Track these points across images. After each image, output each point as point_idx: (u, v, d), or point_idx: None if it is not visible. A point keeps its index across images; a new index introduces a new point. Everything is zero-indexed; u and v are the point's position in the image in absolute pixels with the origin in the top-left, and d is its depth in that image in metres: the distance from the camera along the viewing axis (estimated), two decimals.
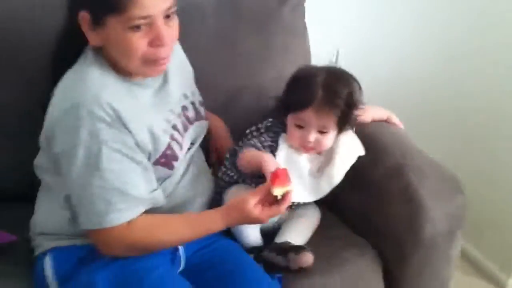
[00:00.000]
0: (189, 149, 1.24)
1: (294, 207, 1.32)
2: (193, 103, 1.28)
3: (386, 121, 1.43)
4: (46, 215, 1.18)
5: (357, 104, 1.24)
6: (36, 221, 1.20)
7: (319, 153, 1.28)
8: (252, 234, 1.25)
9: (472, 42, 1.82)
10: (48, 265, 1.12)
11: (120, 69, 1.08)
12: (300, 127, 1.22)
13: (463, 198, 1.24)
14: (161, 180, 1.15)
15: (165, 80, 1.19)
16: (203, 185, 1.28)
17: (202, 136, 1.31)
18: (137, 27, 1.00)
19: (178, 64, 1.25)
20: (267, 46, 1.58)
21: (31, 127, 1.17)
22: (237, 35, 1.56)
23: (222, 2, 1.55)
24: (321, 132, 1.22)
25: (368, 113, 1.38)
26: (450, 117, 1.97)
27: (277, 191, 1.06)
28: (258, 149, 1.24)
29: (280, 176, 1.07)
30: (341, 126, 1.25)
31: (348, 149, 1.27)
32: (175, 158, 1.16)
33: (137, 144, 1.07)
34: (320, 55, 2.51)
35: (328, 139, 1.24)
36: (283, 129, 1.28)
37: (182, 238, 1.12)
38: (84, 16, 1.02)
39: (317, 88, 1.19)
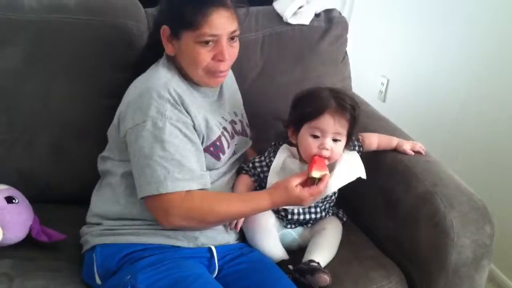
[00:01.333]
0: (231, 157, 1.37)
1: (312, 224, 1.40)
2: (241, 121, 1.44)
3: (396, 150, 1.47)
4: (103, 198, 1.31)
5: (358, 117, 1.33)
6: (93, 205, 1.33)
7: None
8: (275, 247, 1.33)
9: None
10: (95, 260, 1.23)
11: (186, 76, 1.28)
12: (315, 136, 1.29)
13: (491, 227, 1.27)
14: (207, 169, 1.27)
15: (220, 96, 1.39)
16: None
17: (243, 151, 1.44)
18: (206, 43, 1.21)
19: (231, 88, 1.45)
20: (303, 79, 1.67)
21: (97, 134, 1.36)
22: (278, 68, 1.67)
23: (268, 37, 1.66)
24: (335, 140, 1.29)
25: (373, 138, 1.46)
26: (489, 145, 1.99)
27: (315, 173, 1.23)
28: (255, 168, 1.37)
29: (317, 161, 1.25)
30: (349, 135, 1.33)
31: (349, 167, 1.34)
32: (223, 151, 1.30)
33: (194, 127, 1.23)
34: (370, 84, 2.62)
35: (340, 148, 1.31)
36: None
37: (236, 211, 1.24)
38: (165, 29, 1.24)
39: (329, 97, 1.30)
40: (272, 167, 1.34)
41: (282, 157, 1.35)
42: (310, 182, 1.25)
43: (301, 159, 1.35)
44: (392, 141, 1.48)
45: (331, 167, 1.31)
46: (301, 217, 1.39)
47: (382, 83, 2.61)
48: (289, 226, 1.40)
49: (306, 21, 1.71)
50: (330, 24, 1.73)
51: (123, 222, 1.25)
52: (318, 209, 1.40)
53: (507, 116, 1.89)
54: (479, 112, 2.03)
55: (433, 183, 1.33)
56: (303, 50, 1.69)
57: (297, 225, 1.41)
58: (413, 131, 1.61)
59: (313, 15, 1.73)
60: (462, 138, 2.10)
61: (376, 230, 1.47)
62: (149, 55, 1.34)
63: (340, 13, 1.80)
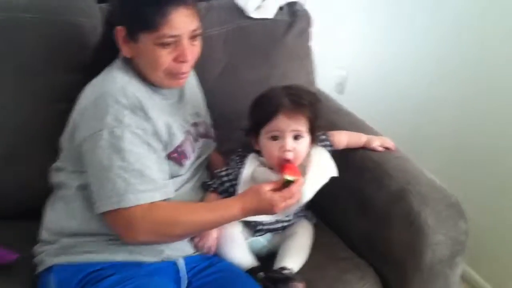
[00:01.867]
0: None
1: (282, 230, 1.34)
2: (204, 123, 1.37)
3: (364, 147, 1.43)
4: (57, 213, 1.21)
5: (320, 113, 1.28)
6: (47, 221, 1.23)
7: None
8: (243, 256, 1.27)
9: (482, 63, 1.84)
10: (51, 282, 1.15)
11: (144, 78, 1.19)
12: (275, 138, 1.24)
13: (465, 224, 1.25)
14: (170, 177, 1.20)
15: (181, 97, 1.31)
16: (201, 199, 1.31)
17: (207, 154, 1.38)
18: (166, 44, 1.12)
19: (192, 88, 1.38)
20: (269, 75, 1.62)
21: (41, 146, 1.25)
22: (242, 65, 1.61)
23: (231, 32, 1.59)
24: (296, 138, 1.24)
25: (342, 136, 1.41)
26: (456, 141, 1.98)
27: (288, 177, 1.16)
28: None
29: (288, 167, 1.19)
30: (312, 131, 1.27)
31: (320, 168, 1.28)
32: (187, 156, 1.23)
33: (155, 133, 1.15)
34: (329, 78, 2.58)
35: (304, 146, 1.26)
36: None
37: (203, 221, 1.15)
38: (120, 30, 1.15)
39: (281, 96, 1.24)
40: (242, 178, 1.27)
41: (251, 167, 1.29)
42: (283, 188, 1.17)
43: (271, 168, 1.28)
44: (361, 138, 1.44)
45: (302, 171, 1.25)
46: (272, 226, 1.33)
47: (340, 75, 2.58)
48: (257, 234, 1.34)
49: (270, 15, 1.65)
50: (294, 17, 1.68)
51: (81, 239, 1.17)
52: (291, 216, 1.35)
53: (471, 109, 1.88)
54: (441, 105, 2.01)
55: (406, 181, 1.30)
56: (268, 46, 1.63)
57: (265, 232, 1.35)
58: (372, 125, 1.57)
59: (277, 8, 1.67)
60: (423, 131, 2.09)
61: (348, 230, 1.43)
62: (103, 55, 1.25)
63: (302, 6, 1.75)
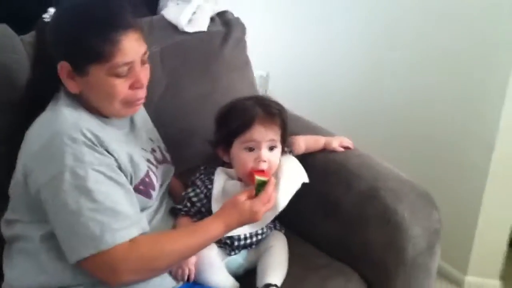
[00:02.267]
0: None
1: (255, 245, 1.31)
2: (159, 147, 1.31)
3: (325, 149, 1.42)
4: (20, 269, 1.10)
5: (287, 120, 1.27)
6: (9, 281, 1.12)
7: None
8: (224, 279, 1.22)
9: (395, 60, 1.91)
10: None
11: (93, 111, 1.11)
12: (250, 149, 1.21)
13: (438, 212, 1.27)
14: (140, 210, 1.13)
15: (132, 124, 1.24)
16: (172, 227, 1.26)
17: (169, 179, 1.32)
18: (120, 73, 1.05)
19: (140, 112, 1.30)
20: (213, 89, 1.57)
21: None
22: (184, 81, 1.55)
23: (166, 50, 1.52)
24: (271, 149, 1.22)
25: (300, 141, 1.39)
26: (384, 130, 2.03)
27: (260, 178, 1.15)
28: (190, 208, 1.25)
29: (256, 172, 1.17)
30: (283, 141, 1.27)
31: (292, 175, 1.28)
32: (153, 187, 1.17)
33: (119, 167, 1.08)
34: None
35: (277, 156, 1.25)
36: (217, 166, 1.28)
37: (188, 247, 1.09)
38: (64, 66, 1.06)
39: (255, 107, 1.23)
40: (213, 196, 1.22)
41: (220, 182, 1.24)
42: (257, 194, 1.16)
43: (240, 179, 1.25)
44: (319, 141, 1.43)
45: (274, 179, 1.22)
46: (248, 241, 1.29)
47: (261, 75, 2.57)
48: (233, 252, 1.29)
49: (204, 27, 1.60)
50: (229, 27, 1.64)
51: None
52: (264, 228, 1.31)
53: (402, 102, 1.94)
54: (372, 98, 2.06)
55: (373, 178, 1.30)
56: (207, 59, 1.59)
57: (241, 249, 1.31)
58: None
59: (208, 20, 1.62)
60: (355, 126, 2.13)
61: (318, 235, 1.41)
62: (39, 93, 1.14)
63: (233, 15, 1.71)
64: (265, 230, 1.32)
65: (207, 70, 1.58)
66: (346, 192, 1.33)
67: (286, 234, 1.39)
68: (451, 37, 1.74)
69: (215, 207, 1.21)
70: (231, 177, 1.26)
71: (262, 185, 1.16)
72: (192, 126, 1.53)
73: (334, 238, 1.36)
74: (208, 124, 1.43)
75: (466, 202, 1.80)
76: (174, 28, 1.57)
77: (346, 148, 1.42)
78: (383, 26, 1.95)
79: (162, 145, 1.35)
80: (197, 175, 1.31)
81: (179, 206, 1.26)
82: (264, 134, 1.20)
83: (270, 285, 1.19)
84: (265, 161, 1.21)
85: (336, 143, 1.42)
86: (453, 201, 1.78)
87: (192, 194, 1.26)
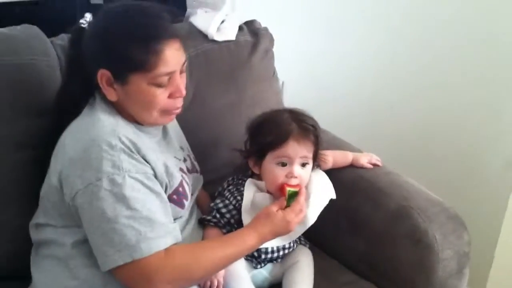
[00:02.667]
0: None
1: (281, 259, 1.30)
2: (189, 156, 1.31)
3: (352, 165, 1.41)
4: (51, 274, 1.09)
5: (320, 138, 1.26)
6: (37, 284, 1.11)
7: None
8: None
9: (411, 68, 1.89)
10: None
11: (129, 118, 1.11)
12: (283, 164, 1.21)
13: (468, 235, 1.25)
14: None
15: (165, 132, 1.23)
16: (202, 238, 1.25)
17: (199, 189, 1.32)
18: (161, 83, 1.05)
19: (173, 122, 1.29)
20: (239, 99, 1.56)
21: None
22: (211, 91, 1.53)
23: (194, 59, 1.49)
24: (302, 165, 1.22)
25: (328, 156, 1.37)
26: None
27: (291, 189, 1.16)
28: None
29: (287, 185, 1.18)
30: (315, 157, 1.26)
31: (321, 190, 1.27)
32: (186, 197, 1.17)
33: (155, 176, 1.07)
34: None
35: (308, 172, 1.25)
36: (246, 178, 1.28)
37: (223, 258, 1.08)
38: (104, 74, 1.05)
39: (290, 121, 1.22)
40: (242, 207, 1.21)
41: (250, 193, 1.23)
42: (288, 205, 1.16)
43: (270, 192, 1.24)
44: (348, 156, 1.42)
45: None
46: (275, 254, 1.27)
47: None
48: (259, 266, 1.28)
49: (232, 37, 1.58)
50: (257, 37, 1.62)
51: None
52: (291, 242, 1.29)
53: (416, 109, 1.91)
54: (386, 108, 2.04)
55: (403, 197, 1.29)
56: (234, 68, 1.56)
57: (266, 263, 1.30)
58: None
59: (237, 29, 1.61)
60: (371, 137, 2.11)
61: (343, 252, 1.40)
62: (72, 98, 1.13)
63: (261, 24, 1.70)
64: (291, 244, 1.31)
65: (234, 80, 1.56)
66: (375, 210, 1.31)
67: (310, 249, 1.38)
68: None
69: (245, 218, 1.20)
70: (260, 189, 1.25)
71: (293, 196, 1.17)
72: (218, 136, 1.52)
73: (361, 256, 1.35)
74: (234, 135, 1.44)
75: (486, 224, 1.78)
76: (202, 36, 1.55)
77: (375, 165, 1.41)
78: (401, 36, 1.94)
79: (192, 154, 1.34)
80: (225, 185, 1.30)
81: (208, 217, 1.25)
82: (298, 151, 1.20)
83: None
84: (296, 177, 1.20)
85: (365, 159, 1.40)
86: (472, 222, 1.77)
87: (221, 205, 1.25)
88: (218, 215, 1.24)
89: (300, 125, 1.21)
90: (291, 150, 1.19)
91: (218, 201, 1.27)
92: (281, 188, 1.19)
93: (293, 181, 1.20)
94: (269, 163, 1.22)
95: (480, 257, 1.80)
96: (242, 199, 1.23)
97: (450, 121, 1.85)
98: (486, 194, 1.78)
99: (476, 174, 1.81)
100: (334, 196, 1.28)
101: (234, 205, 1.24)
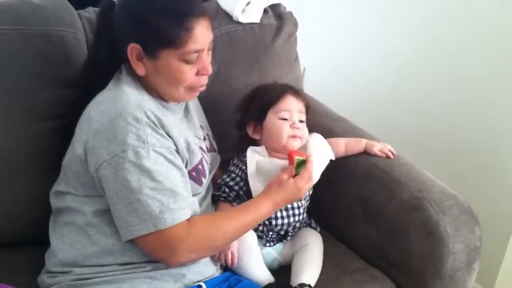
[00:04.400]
0: None
1: (290, 237, 1.33)
2: (208, 135, 1.33)
3: (365, 152, 1.41)
4: (67, 240, 1.12)
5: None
6: (55, 249, 1.13)
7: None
8: (261, 271, 1.24)
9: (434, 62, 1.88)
10: None
11: (153, 93, 1.13)
12: (283, 119, 1.28)
13: (480, 229, 1.26)
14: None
15: (186, 110, 1.25)
16: None
17: (216, 167, 1.35)
18: (190, 59, 1.07)
19: (194, 100, 1.31)
20: (260, 81, 1.53)
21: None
22: (233, 71, 1.54)
23: (219, 39, 1.51)
24: (300, 121, 1.30)
25: (340, 141, 1.41)
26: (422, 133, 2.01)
27: (299, 157, 1.20)
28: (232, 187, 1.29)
29: (294, 152, 1.23)
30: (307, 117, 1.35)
31: (320, 151, 1.33)
32: (204, 174, 1.19)
33: (177, 151, 1.10)
34: None
35: (305, 129, 1.32)
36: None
37: (241, 224, 1.12)
38: (134, 48, 1.06)
39: (283, 84, 1.37)
40: (249, 174, 1.26)
41: (253, 160, 1.27)
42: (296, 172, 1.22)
43: (271, 155, 1.29)
44: (361, 142, 1.43)
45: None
46: (285, 220, 1.29)
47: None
48: (268, 244, 1.31)
49: (257, 19, 1.59)
50: (281, 21, 1.63)
51: (98, 269, 1.08)
52: (301, 210, 1.33)
53: (437, 103, 1.91)
54: (407, 100, 2.03)
55: (418, 188, 1.29)
56: (257, 51, 1.57)
57: (275, 241, 1.32)
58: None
59: (262, 11, 1.61)
60: (390, 129, 2.11)
61: (354, 239, 1.41)
62: (99, 71, 1.15)
63: (286, 8, 1.70)
64: (298, 224, 1.34)
65: (256, 62, 1.57)
66: (389, 200, 1.32)
67: (320, 233, 1.40)
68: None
69: (252, 184, 1.24)
70: (261, 155, 1.29)
71: (301, 164, 1.21)
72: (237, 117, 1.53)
73: (372, 243, 1.36)
74: None
75: (499, 221, 1.78)
76: (227, 17, 1.56)
77: (387, 155, 1.40)
78: (426, 28, 1.92)
79: (210, 133, 1.36)
80: (231, 163, 1.35)
81: (218, 193, 1.28)
82: (296, 104, 1.30)
83: (304, 284, 1.20)
84: (299, 128, 1.28)
85: (378, 147, 1.41)
86: (486, 218, 1.77)
87: (228, 179, 1.29)
88: (227, 189, 1.28)
89: (291, 87, 1.35)
90: (291, 102, 1.30)
91: (225, 176, 1.31)
92: (289, 157, 1.23)
93: (297, 132, 1.28)
94: (272, 119, 1.29)
95: (491, 254, 1.81)
96: (247, 167, 1.26)
97: (468, 117, 1.84)
98: (501, 191, 1.77)
99: (493, 171, 1.80)
100: (333, 157, 1.34)
101: (240, 176, 1.28)
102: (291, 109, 1.29)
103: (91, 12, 1.42)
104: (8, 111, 1.25)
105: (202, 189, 1.20)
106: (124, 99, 1.06)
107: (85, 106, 1.11)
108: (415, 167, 1.38)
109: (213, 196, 1.29)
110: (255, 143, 1.34)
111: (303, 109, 1.32)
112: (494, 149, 1.78)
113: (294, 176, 1.21)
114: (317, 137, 1.36)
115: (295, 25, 1.66)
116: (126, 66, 1.12)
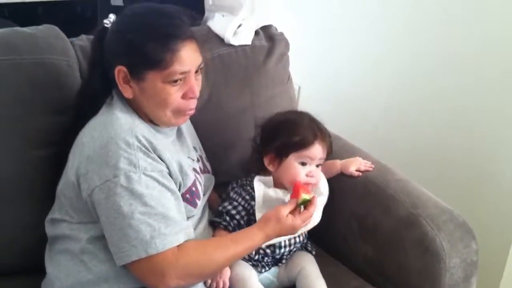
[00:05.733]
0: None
1: (285, 260, 1.33)
2: (201, 157, 1.34)
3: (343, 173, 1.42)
4: (63, 269, 1.12)
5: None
6: (51, 278, 1.13)
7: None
8: None
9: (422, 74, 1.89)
10: None
11: (144, 118, 1.14)
12: (303, 164, 1.26)
13: (476, 244, 1.25)
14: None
15: (180, 134, 1.27)
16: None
17: (211, 189, 1.35)
18: (175, 81, 1.08)
19: (187, 123, 1.32)
20: (253, 103, 1.58)
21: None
22: (226, 94, 1.55)
23: (210, 62, 1.51)
24: (317, 165, 1.29)
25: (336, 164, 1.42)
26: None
27: (306, 196, 1.18)
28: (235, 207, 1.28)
29: (301, 186, 1.21)
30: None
31: (324, 192, 1.33)
32: (198, 196, 1.19)
33: (170, 174, 1.10)
34: None
35: (320, 173, 1.32)
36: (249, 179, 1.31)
37: (232, 254, 1.11)
38: (121, 70, 1.08)
39: (313, 125, 1.30)
40: (256, 205, 1.25)
41: (260, 191, 1.26)
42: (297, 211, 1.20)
43: (277, 187, 1.28)
44: (335, 165, 1.43)
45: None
46: (287, 249, 1.30)
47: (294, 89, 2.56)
48: (263, 270, 1.30)
49: (248, 41, 1.61)
50: (273, 42, 1.64)
51: None
52: (304, 235, 1.34)
53: (428, 118, 1.91)
54: (399, 119, 2.04)
55: (413, 204, 1.29)
56: (250, 73, 1.59)
57: (270, 266, 1.32)
58: None
59: (253, 33, 1.63)
60: (381, 144, 2.11)
61: (352, 257, 1.41)
62: (92, 96, 1.16)
63: (277, 29, 1.72)
64: (293, 248, 1.33)
65: (249, 84, 1.58)
66: (385, 216, 1.32)
67: (318, 253, 1.40)
68: None
69: (259, 215, 1.23)
70: (268, 185, 1.29)
71: (305, 202, 1.19)
72: (231, 139, 1.55)
73: (369, 260, 1.36)
74: (247, 138, 1.46)
75: (498, 233, 1.77)
76: (219, 40, 1.58)
77: (365, 172, 1.41)
78: (418, 43, 1.93)
79: (204, 155, 1.37)
80: (230, 189, 1.33)
81: (218, 220, 1.27)
82: (320, 153, 1.28)
83: None
84: (313, 177, 1.28)
85: (353, 167, 1.41)
86: (484, 230, 1.76)
87: (230, 207, 1.28)
88: (228, 218, 1.26)
89: (321, 130, 1.29)
90: (316, 152, 1.27)
91: (226, 203, 1.29)
92: (294, 187, 1.21)
93: (312, 180, 1.27)
94: (292, 161, 1.27)
95: (491, 267, 1.80)
96: (250, 198, 1.26)
97: (463, 126, 1.84)
98: (498, 202, 1.77)
99: (489, 181, 1.79)
100: (327, 193, 1.34)
101: (243, 206, 1.27)
102: (314, 157, 1.27)
103: (84, 39, 1.43)
104: (1, 138, 1.25)
105: (197, 211, 1.20)
106: (115, 124, 1.07)
107: (78, 133, 1.12)
108: (410, 182, 1.38)
109: (213, 222, 1.28)
110: (264, 169, 1.32)
111: (325, 155, 1.30)
112: (489, 156, 1.78)
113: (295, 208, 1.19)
114: (322, 176, 1.35)
115: (287, 45, 1.67)
116: (117, 91, 1.13)
